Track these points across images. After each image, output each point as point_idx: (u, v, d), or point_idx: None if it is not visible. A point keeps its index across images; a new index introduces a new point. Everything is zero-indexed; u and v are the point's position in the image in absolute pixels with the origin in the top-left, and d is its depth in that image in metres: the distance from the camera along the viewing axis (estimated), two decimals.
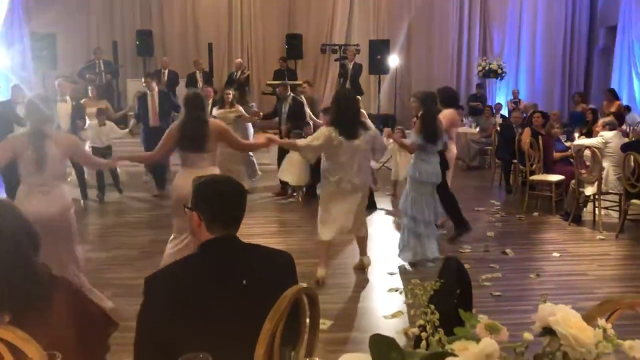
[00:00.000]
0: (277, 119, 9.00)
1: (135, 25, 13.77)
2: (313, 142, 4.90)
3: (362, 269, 5.41)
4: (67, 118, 7.80)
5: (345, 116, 4.88)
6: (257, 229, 6.60)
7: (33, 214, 3.75)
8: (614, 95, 11.02)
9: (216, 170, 4.49)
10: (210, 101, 9.48)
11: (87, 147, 8.06)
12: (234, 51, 14.16)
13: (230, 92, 8.77)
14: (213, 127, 4.58)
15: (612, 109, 10.36)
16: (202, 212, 1.96)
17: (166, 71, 12.04)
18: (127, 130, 8.79)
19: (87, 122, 8.46)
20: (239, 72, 12.30)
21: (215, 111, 8.57)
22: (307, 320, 1.90)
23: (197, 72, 12.25)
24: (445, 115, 6.07)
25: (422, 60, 14.67)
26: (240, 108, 8.62)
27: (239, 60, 12.91)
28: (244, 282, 1.87)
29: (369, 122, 5.34)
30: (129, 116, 9.66)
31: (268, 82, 12.59)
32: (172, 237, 4.65)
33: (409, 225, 5.52)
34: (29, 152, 3.92)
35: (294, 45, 13.85)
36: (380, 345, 1.24)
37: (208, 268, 1.91)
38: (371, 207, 7.27)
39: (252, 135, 9.00)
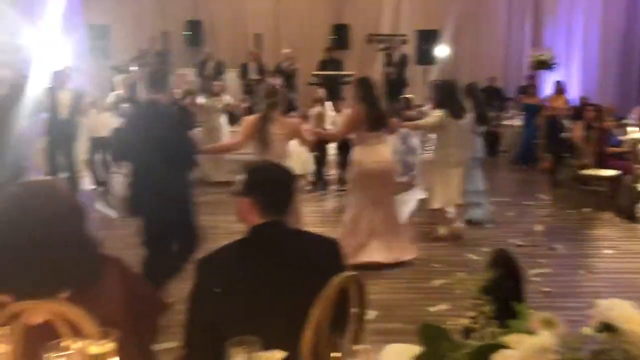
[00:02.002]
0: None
1: (185, 15, 13.98)
2: (429, 122, 5.83)
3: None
4: (66, 107, 7.71)
5: (452, 100, 5.73)
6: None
7: None
8: (562, 88, 11.29)
9: (386, 148, 5.17)
10: (182, 91, 9.02)
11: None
12: (281, 41, 14.20)
13: (220, 83, 8.65)
14: None
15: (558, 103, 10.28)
16: (257, 198, 1.97)
17: (212, 62, 12.16)
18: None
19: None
20: (288, 63, 12.27)
21: (201, 99, 8.53)
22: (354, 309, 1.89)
23: (251, 62, 12.30)
24: None
25: (471, 50, 14.36)
26: (228, 97, 8.58)
27: (289, 50, 12.82)
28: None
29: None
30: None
31: (313, 73, 12.57)
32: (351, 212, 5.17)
33: None
34: (257, 133, 4.43)
35: (340, 35, 13.79)
36: (431, 334, 1.22)
37: (259, 251, 1.93)
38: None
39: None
